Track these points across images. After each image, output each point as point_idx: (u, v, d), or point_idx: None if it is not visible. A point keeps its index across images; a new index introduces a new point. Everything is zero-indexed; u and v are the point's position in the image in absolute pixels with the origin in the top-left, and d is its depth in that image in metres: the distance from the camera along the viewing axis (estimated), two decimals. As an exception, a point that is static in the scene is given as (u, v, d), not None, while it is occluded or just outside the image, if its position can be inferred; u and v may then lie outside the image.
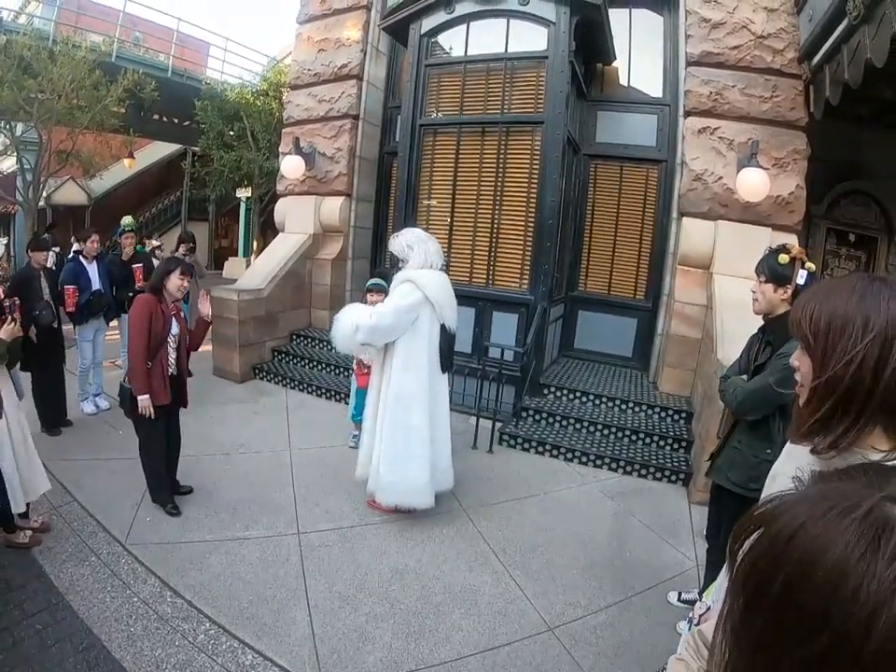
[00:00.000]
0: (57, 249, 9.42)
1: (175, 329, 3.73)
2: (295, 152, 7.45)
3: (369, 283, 4.94)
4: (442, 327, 3.67)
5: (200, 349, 4.14)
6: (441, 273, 3.72)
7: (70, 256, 5.72)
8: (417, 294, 3.51)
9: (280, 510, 3.85)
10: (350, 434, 5.03)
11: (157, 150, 20.01)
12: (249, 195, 16.43)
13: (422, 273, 3.57)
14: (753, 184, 5.42)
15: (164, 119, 16.81)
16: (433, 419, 3.70)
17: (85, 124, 11.79)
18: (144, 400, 3.53)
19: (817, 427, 1.06)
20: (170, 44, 15.82)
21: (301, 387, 6.42)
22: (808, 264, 2.53)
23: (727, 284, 5.30)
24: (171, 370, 3.74)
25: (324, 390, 6.26)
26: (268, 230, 12.21)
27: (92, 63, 11.37)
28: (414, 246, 3.62)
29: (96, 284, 5.32)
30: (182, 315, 3.86)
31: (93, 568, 3.12)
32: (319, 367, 6.74)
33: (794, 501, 0.52)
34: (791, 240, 5.54)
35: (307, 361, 6.85)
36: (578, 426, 5.34)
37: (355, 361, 4.92)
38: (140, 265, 5.78)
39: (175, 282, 3.64)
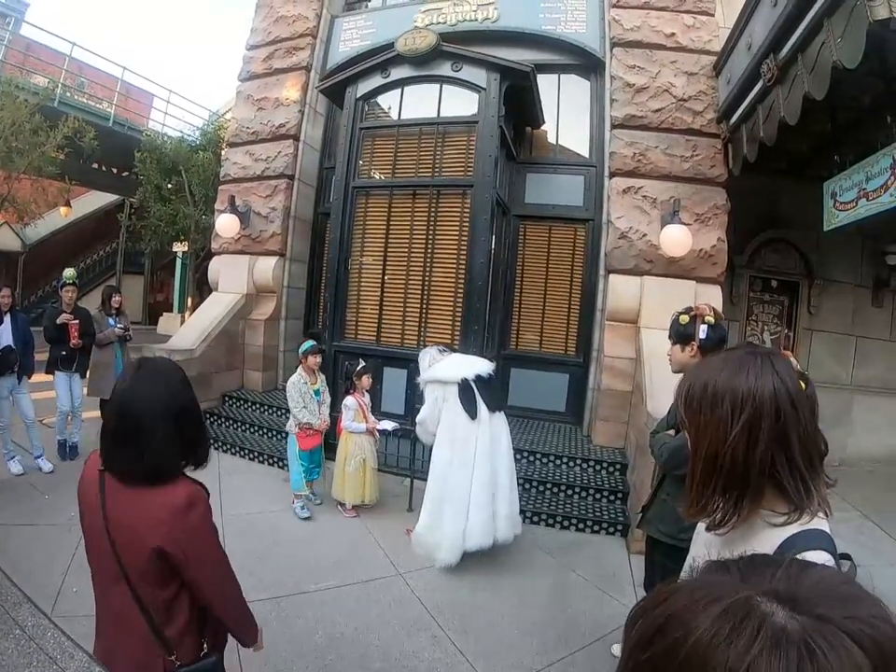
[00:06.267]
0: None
1: None
2: (230, 210, 7.38)
3: (306, 346, 4.87)
4: (471, 381, 4.10)
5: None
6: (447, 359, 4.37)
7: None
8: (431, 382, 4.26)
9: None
10: (298, 504, 4.80)
11: (94, 200, 19.46)
12: (185, 250, 16.09)
13: (431, 368, 4.30)
14: (676, 239, 5.66)
15: (104, 168, 16.47)
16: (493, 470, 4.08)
17: (22, 169, 11.49)
18: None
19: (700, 504, 1.07)
20: (114, 92, 15.66)
21: (233, 451, 6.18)
22: (707, 318, 2.65)
23: (654, 337, 5.39)
24: None
25: (257, 454, 6.04)
26: (204, 285, 11.95)
27: (34, 107, 11.15)
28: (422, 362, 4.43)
29: (6, 340, 5.04)
30: None
31: (18, 642, 2.88)
32: (252, 430, 6.53)
33: (670, 592, 0.54)
34: (715, 291, 5.82)
35: (239, 424, 6.63)
36: (514, 484, 5.31)
37: (294, 423, 4.78)
38: (76, 321, 5.46)
39: None
